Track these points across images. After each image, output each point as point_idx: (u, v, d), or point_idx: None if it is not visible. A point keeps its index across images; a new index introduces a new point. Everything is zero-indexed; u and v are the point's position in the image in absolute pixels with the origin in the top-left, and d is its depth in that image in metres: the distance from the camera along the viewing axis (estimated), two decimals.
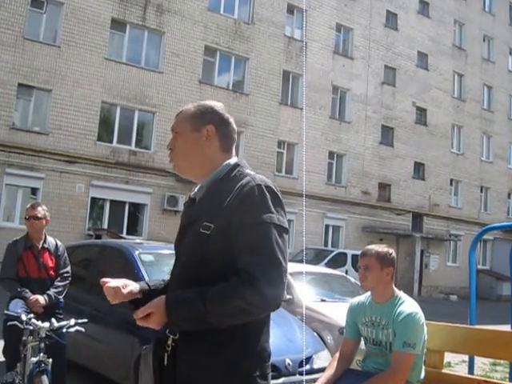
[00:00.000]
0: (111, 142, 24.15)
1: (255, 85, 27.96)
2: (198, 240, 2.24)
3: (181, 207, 24.00)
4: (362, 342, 4.16)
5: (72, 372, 6.84)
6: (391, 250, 3.98)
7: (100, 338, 7.00)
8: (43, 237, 6.17)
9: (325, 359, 6.33)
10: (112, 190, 23.69)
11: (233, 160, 2.42)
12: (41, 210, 6.08)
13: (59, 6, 23.06)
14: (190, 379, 2.22)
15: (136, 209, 24.85)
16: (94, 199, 23.75)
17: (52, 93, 22.63)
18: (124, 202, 24.31)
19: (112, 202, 24.09)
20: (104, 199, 24.00)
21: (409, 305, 3.90)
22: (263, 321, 2.28)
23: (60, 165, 22.56)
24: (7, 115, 21.80)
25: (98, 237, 21.75)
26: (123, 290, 2.34)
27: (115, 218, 24.15)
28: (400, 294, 4.00)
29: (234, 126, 2.51)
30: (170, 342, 2.28)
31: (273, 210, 2.21)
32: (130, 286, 2.39)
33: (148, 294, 2.42)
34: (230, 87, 27.68)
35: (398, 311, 3.85)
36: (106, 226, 23.65)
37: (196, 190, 2.45)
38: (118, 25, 24.57)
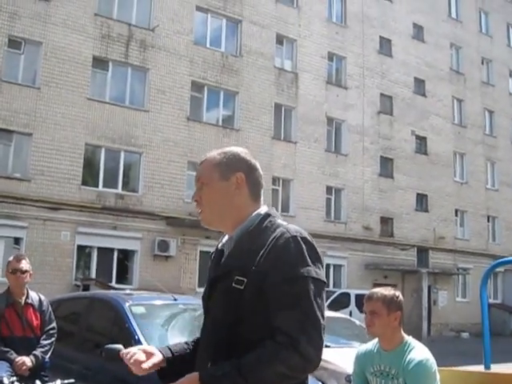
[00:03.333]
0: (97, 185, 24.16)
1: (246, 120, 28.12)
2: (231, 295, 2.20)
3: (172, 252, 23.99)
4: None
5: None
6: (398, 293, 3.94)
7: None
8: (25, 292, 6.07)
9: None
10: (99, 236, 23.58)
11: (263, 209, 2.39)
12: (26, 264, 5.99)
13: (37, 45, 23.27)
14: None
15: (125, 256, 24.74)
16: (80, 247, 23.65)
17: (33, 136, 22.70)
18: (112, 249, 24.19)
19: (100, 249, 23.98)
20: (91, 247, 23.90)
21: (419, 351, 3.84)
22: (303, 381, 2.24)
23: (44, 212, 22.50)
24: None
25: (86, 287, 21.62)
26: (145, 365, 2.31)
27: (103, 266, 24.00)
28: (409, 339, 3.94)
29: (261, 171, 2.48)
30: None
31: (310, 262, 2.19)
32: (153, 359, 2.35)
33: (173, 362, 2.41)
34: (220, 123, 27.84)
35: (408, 359, 3.79)
36: (94, 275, 23.51)
37: (224, 241, 2.43)
38: (99, 63, 24.78)
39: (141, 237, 24.44)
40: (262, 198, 2.45)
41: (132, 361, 2.31)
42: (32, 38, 23.14)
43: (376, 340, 4.08)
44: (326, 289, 2.30)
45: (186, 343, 2.56)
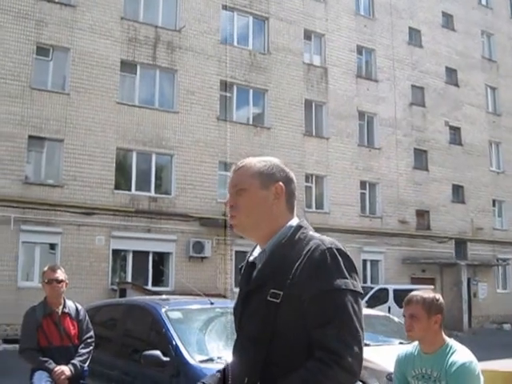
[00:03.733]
0: (129, 189, 24.33)
1: (276, 117, 28.07)
2: (267, 309, 2.18)
3: (207, 253, 24.06)
4: None
5: None
6: (438, 296, 3.88)
7: None
8: (62, 301, 6.12)
9: None
10: (134, 239, 23.78)
11: (294, 221, 2.39)
12: (61, 273, 6.04)
13: (65, 51, 23.52)
14: None
15: (160, 258, 24.88)
16: (115, 251, 23.84)
17: (64, 143, 22.95)
18: (147, 252, 24.35)
19: (135, 252, 24.16)
20: (126, 250, 24.10)
21: (462, 353, 3.78)
22: None
23: (77, 217, 22.75)
24: (19, 169, 22.12)
25: (123, 291, 21.77)
26: None
27: (139, 269, 24.19)
28: (451, 341, 3.88)
29: (296, 183, 2.49)
30: None
31: (347, 274, 2.20)
32: None
33: None
34: (250, 122, 27.85)
35: (450, 361, 3.73)
36: (130, 278, 23.68)
37: (255, 254, 2.42)
38: (127, 66, 24.95)
39: (175, 239, 24.55)
40: (295, 210, 2.45)
41: None
42: (60, 44, 23.39)
43: (416, 343, 4.03)
44: (364, 285, 2.29)
45: (219, 371, 2.55)
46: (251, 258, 2.42)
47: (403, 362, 4.07)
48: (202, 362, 6.19)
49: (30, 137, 22.48)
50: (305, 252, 2.20)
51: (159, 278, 24.71)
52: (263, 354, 2.16)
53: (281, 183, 2.36)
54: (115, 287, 22.76)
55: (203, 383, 2.50)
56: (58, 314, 6.04)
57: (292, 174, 2.45)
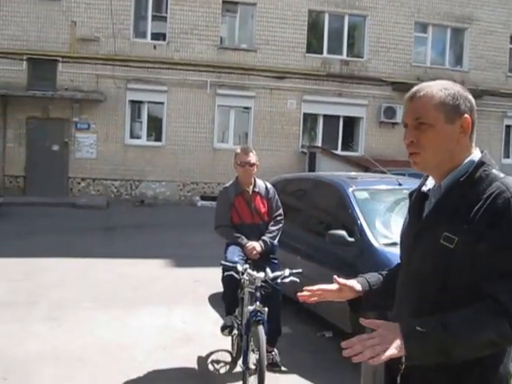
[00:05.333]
0: (321, 52, 24.11)
1: None
2: (438, 253, 2.09)
3: (399, 119, 23.48)
4: None
5: (288, 306, 7.20)
6: None
7: (315, 278, 7.14)
8: (253, 181, 6.38)
9: None
10: (325, 104, 23.85)
11: (476, 155, 2.20)
12: (253, 156, 6.24)
13: None
14: None
15: (350, 123, 24.78)
16: (306, 115, 24.11)
17: (257, 6, 23.02)
18: (337, 117, 24.37)
19: (325, 116, 24.29)
20: (317, 114, 24.26)
21: None
22: (504, 351, 2.14)
23: (270, 81, 23.11)
24: (214, 35, 22.68)
25: (312, 155, 22.21)
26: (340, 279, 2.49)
27: (329, 133, 24.37)
28: None
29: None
30: (403, 359, 2.08)
31: None
32: (353, 284, 2.50)
33: (368, 294, 2.51)
34: None
35: None
36: (319, 142, 23.98)
37: (429, 185, 2.31)
38: None
39: (366, 103, 24.28)
40: (474, 141, 2.25)
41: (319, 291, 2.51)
42: None
43: None
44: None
45: (381, 274, 2.57)
46: (424, 189, 2.32)
47: None
48: (386, 245, 6.26)
49: (224, 1, 22.79)
50: (485, 196, 2.05)
51: (349, 142, 24.78)
52: (430, 297, 2.12)
53: (467, 116, 2.16)
54: (305, 150, 23.23)
55: (365, 278, 2.55)
56: (249, 194, 6.32)
57: (474, 101, 2.22)
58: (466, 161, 2.18)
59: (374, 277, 2.57)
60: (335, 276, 2.50)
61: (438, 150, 2.17)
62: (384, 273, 2.59)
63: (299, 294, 2.53)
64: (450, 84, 2.22)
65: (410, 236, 2.26)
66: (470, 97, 2.21)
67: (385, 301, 2.51)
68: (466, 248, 2.02)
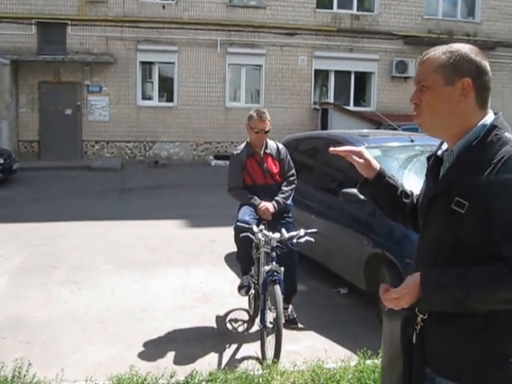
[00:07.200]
0: (331, 7, 23.79)
1: None
2: (450, 217, 2.11)
3: (411, 72, 23.25)
4: None
5: (303, 264, 7.30)
6: None
7: (329, 236, 7.24)
8: (264, 143, 6.40)
9: None
10: (336, 59, 23.64)
11: (488, 119, 2.19)
12: (268, 123, 6.22)
13: None
14: (441, 363, 2.22)
15: (362, 78, 24.56)
16: (317, 71, 23.93)
17: None
18: (349, 72, 24.16)
19: (336, 72, 24.09)
20: (328, 70, 24.07)
21: None
22: None
23: (280, 38, 22.90)
24: None
25: (324, 111, 22.14)
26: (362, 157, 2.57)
27: (341, 89, 24.20)
28: None
29: (491, 74, 2.24)
30: (418, 320, 2.24)
31: None
32: (374, 163, 2.58)
33: (379, 181, 2.57)
34: None
35: None
36: (331, 98, 23.84)
37: (444, 149, 2.32)
38: None
39: (378, 58, 24.02)
40: (489, 105, 2.23)
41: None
42: None
43: None
44: None
45: (400, 184, 2.63)
46: (439, 152, 2.34)
47: None
48: None
49: None
50: (496, 161, 2.05)
51: (361, 98, 24.62)
52: (442, 261, 2.15)
53: (468, 78, 2.14)
54: (317, 107, 23.14)
55: (386, 173, 2.61)
56: (261, 155, 6.34)
57: (485, 64, 2.20)
58: (479, 125, 2.18)
59: (393, 178, 2.63)
60: (361, 149, 2.60)
61: (436, 112, 2.19)
62: (402, 189, 2.61)
63: (331, 148, 2.62)
64: (459, 46, 2.22)
65: (425, 200, 2.30)
66: (479, 60, 2.19)
67: (379, 200, 2.65)
68: (477, 213, 2.04)
